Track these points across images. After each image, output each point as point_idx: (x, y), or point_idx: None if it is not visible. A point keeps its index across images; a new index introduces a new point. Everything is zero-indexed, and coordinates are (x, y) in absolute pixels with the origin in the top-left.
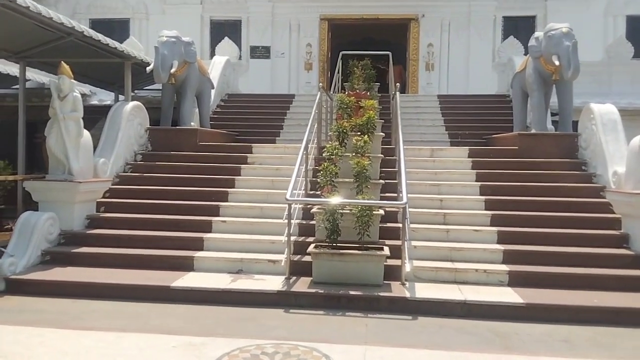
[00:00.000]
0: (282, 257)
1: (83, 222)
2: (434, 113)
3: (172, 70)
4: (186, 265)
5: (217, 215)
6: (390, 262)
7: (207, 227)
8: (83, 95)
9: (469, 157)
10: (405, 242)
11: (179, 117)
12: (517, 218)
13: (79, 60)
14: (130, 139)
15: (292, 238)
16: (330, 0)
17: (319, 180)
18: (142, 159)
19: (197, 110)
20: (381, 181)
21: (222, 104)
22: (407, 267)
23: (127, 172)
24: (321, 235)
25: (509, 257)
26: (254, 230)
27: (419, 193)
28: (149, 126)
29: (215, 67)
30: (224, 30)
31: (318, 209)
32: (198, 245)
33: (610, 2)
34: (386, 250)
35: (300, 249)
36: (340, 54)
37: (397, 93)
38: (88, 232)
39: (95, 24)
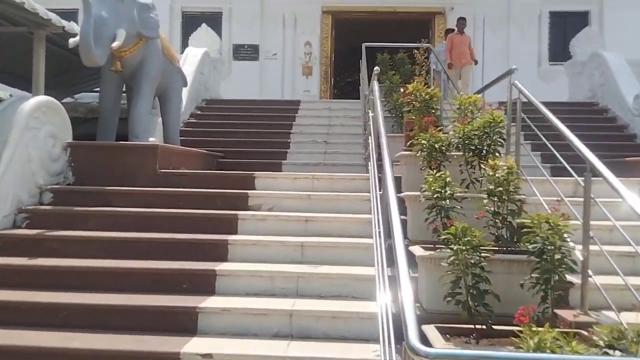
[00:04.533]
0: None
1: None
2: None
3: (115, 45)
4: None
5: (193, 332)
6: None
7: None
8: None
9: None
10: None
11: (128, 128)
12: None
13: None
14: (31, 164)
15: None
16: None
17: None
18: (54, 200)
19: (159, 119)
20: None
21: (198, 112)
22: None
23: (19, 228)
24: None
25: None
26: None
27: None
28: (70, 141)
29: (188, 62)
30: (200, 24)
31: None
32: None
33: None
34: None
35: None
36: (364, 45)
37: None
38: None
39: None
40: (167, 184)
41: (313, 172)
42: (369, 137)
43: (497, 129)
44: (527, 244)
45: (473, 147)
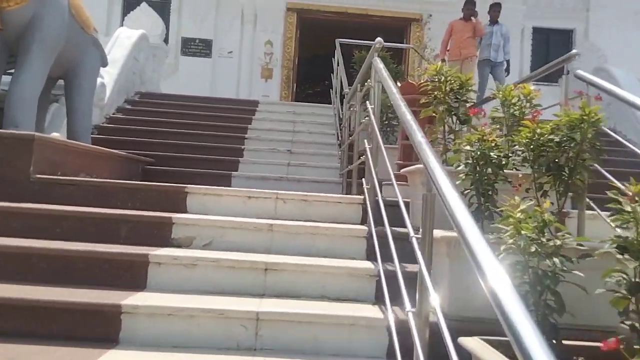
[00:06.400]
0: None
1: None
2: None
3: None
4: None
5: None
6: None
7: None
8: None
9: None
10: None
11: (4, 112)
12: None
13: None
14: None
15: None
16: None
17: None
18: None
19: (64, 108)
20: None
21: (128, 107)
22: None
23: None
24: None
25: None
26: None
27: None
28: None
29: (119, 44)
30: None
31: None
32: None
33: None
34: None
35: None
36: (337, 42)
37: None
38: None
39: None
40: (44, 198)
41: (275, 189)
42: (366, 143)
43: (591, 133)
44: None
45: (548, 162)
